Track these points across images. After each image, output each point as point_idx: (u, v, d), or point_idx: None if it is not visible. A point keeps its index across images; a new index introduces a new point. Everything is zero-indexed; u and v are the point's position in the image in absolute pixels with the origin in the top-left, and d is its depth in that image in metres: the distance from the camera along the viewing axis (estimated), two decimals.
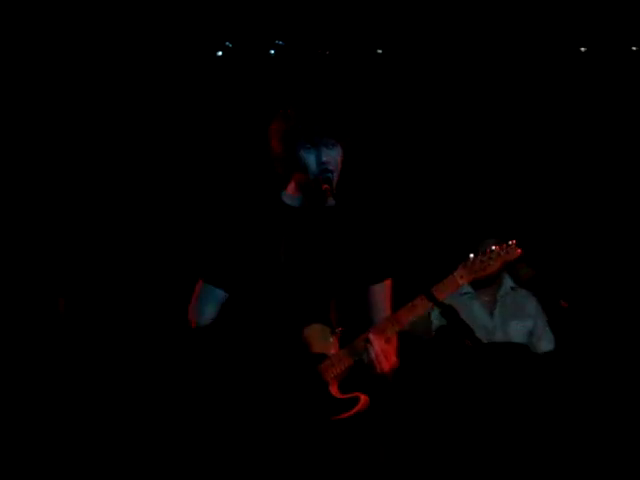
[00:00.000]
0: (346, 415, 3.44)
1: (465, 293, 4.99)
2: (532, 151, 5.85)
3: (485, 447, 4.22)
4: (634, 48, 5.63)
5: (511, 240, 3.64)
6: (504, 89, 5.80)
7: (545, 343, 5.06)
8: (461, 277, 3.52)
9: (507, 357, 3.96)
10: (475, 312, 5.00)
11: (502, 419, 4.22)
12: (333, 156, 3.58)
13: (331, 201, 3.67)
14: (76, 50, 5.33)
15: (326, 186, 3.54)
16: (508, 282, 5.08)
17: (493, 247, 3.60)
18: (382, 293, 3.74)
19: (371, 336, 3.54)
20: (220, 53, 5.56)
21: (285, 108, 3.63)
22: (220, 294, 3.65)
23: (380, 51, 5.64)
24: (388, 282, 3.74)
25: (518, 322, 5.03)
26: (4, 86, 5.31)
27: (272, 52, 5.56)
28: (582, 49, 5.67)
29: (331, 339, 3.56)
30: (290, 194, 3.68)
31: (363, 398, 3.47)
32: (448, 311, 3.32)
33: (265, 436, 3.37)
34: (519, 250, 3.64)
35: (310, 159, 3.56)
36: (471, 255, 3.64)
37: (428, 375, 4.64)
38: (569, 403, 4.39)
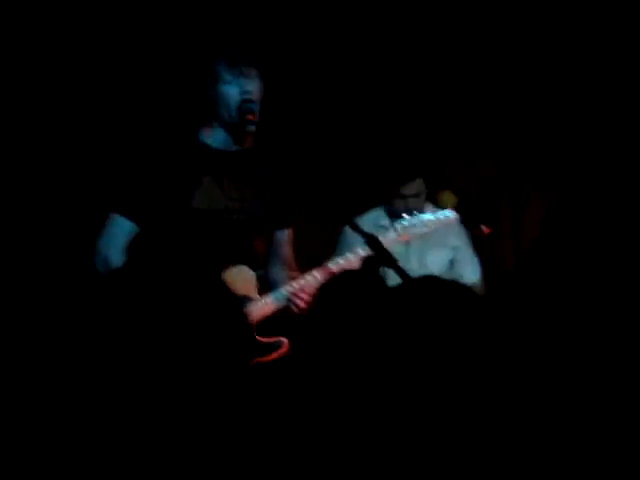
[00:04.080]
0: (269, 359, 3.47)
1: (382, 226, 4.97)
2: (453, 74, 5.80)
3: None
4: None
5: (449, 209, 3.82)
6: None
7: (469, 273, 5.07)
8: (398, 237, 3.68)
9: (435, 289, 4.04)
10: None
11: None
12: (254, 87, 3.58)
13: (250, 142, 3.66)
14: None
15: (250, 116, 3.55)
16: (427, 210, 5.04)
17: (430, 213, 3.79)
18: (284, 240, 3.80)
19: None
20: None
21: (205, 46, 3.62)
22: (130, 227, 3.61)
23: None
24: (291, 230, 3.80)
25: (436, 251, 5.04)
26: None
27: None
28: None
29: (253, 282, 3.57)
30: (208, 134, 3.67)
31: (285, 342, 3.50)
32: (372, 241, 3.34)
33: (190, 379, 3.37)
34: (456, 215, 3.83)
35: (232, 91, 3.57)
36: (405, 216, 3.78)
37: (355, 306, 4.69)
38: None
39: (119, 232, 3.59)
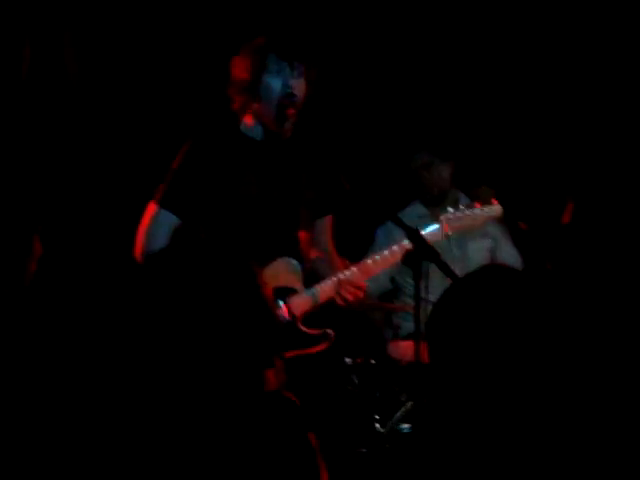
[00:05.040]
0: (316, 349, 3.48)
1: (420, 217, 4.91)
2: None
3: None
4: None
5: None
6: None
7: (509, 260, 4.96)
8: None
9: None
10: None
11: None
12: (299, 83, 3.60)
13: (288, 133, 3.68)
14: None
15: (288, 110, 3.57)
16: (463, 200, 5.02)
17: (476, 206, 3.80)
18: (324, 227, 3.81)
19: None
20: None
21: (254, 38, 3.63)
22: (175, 222, 3.64)
23: None
24: (329, 218, 3.81)
25: (477, 241, 4.99)
26: None
27: None
28: None
29: (298, 273, 3.59)
30: (248, 126, 3.68)
31: (332, 334, 3.52)
32: (414, 234, 3.35)
33: (226, 370, 3.37)
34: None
35: (276, 83, 3.58)
36: (450, 209, 3.79)
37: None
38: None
39: (164, 227, 3.61)
